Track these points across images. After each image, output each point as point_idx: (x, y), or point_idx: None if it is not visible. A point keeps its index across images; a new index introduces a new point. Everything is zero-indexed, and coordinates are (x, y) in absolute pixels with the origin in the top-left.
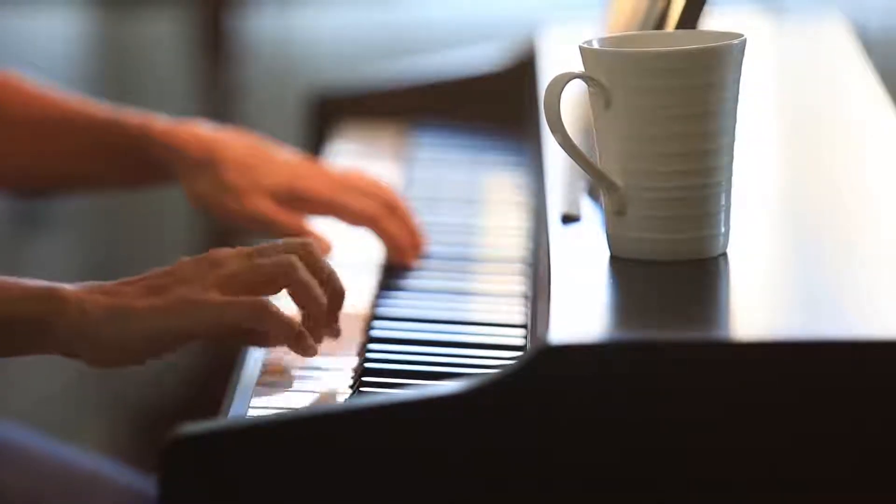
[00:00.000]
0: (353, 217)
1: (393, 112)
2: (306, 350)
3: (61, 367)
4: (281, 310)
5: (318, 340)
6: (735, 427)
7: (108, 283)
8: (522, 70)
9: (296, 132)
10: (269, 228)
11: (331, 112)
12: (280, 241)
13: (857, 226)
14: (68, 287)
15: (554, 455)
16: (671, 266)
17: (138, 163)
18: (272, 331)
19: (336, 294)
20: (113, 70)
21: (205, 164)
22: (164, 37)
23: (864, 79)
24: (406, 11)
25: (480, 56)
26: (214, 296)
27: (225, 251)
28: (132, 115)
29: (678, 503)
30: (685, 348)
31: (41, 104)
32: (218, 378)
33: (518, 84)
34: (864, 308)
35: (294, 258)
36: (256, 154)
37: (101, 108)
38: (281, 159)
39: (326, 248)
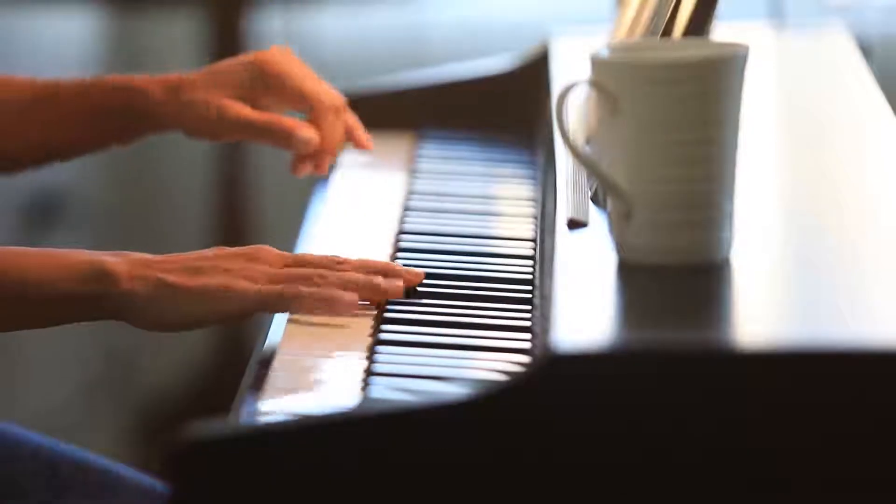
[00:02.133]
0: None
1: (402, 119)
2: (346, 311)
3: (67, 375)
4: (311, 291)
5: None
6: (739, 430)
7: (153, 258)
8: (534, 78)
9: None
10: (246, 127)
11: None
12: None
13: (860, 231)
14: (117, 262)
15: (558, 459)
16: (677, 271)
17: (122, 116)
18: (309, 312)
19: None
20: (125, 71)
21: (173, 89)
22: (177, 39)
23: (865, 87)
24: (420, 16)
25: (492, 65)
26: (250, 286)
27: (264, 248)
28: (113, 76)
29: None
30: (693, 355)
31: (12, 86)
32: (226, 382)
33: (530, 92)
34: (868, 314)
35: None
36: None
37: (73, 79)
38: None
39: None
